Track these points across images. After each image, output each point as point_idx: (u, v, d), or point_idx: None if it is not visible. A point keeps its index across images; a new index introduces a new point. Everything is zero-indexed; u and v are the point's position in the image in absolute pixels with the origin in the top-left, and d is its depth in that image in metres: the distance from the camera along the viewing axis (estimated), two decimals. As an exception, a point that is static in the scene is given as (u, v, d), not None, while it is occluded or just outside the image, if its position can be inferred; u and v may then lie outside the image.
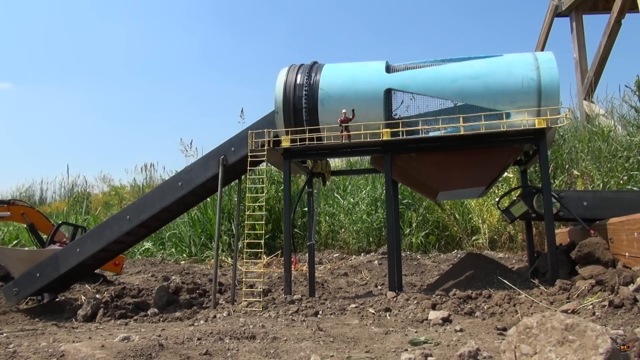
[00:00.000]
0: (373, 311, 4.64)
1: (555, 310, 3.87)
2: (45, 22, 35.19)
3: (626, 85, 9.64)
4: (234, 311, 5.26)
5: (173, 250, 12.02)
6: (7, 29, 33.79)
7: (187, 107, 34.39)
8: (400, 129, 5.16)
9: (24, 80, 35.89)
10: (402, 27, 33.22)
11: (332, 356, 3.11)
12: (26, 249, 10.32)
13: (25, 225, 8.24)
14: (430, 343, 3.30)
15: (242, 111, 11.65)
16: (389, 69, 5.55)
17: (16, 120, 33.79)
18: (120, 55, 35.94)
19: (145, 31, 36.63)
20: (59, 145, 33.05)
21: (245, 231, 5.61)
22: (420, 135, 5.12)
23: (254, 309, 5.16)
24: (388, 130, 5.21)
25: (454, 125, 5.12)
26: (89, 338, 4.15)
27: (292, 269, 6.33)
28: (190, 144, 15.90)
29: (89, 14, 35.02)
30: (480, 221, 9.90)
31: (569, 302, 4.10)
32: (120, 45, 35.85)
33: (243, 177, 6.33)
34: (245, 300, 5.34)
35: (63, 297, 6.89)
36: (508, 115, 5.00)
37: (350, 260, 9.43)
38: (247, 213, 5.57)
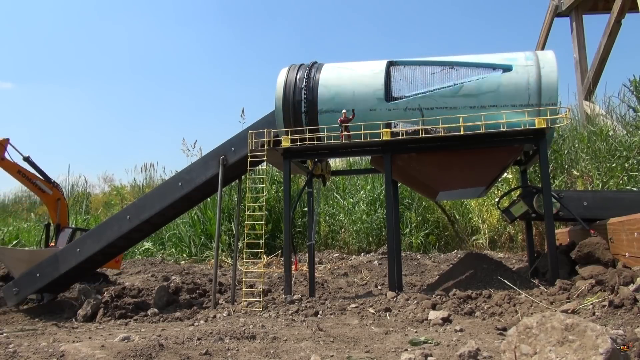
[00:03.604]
0: (373, 311, 4.64)
1: (555, 310, 3.87)
2: (46, 21, 35.24)
3: (624, 85, 9.64)
4: (234, 311, 5.25)
5: (173, 250, 12.01)
6: (7, 28, 33.81)
7: (189, 106, 34.44)
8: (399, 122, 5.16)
9: (25, 80, 35.92)
10: (402, 27, 33.25)
11: (332, 356, 3.11)
12: (26, 249, 10.32)
13: (45, 221, 8.40)
14: (430, 343, 3.30)
15: (242, 111, 11.60)
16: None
17: (17, 120, 33.80)
18: (122, 55, 36.02)
19: (148, 30, 36.67)
20: (60, 145, 33.09)
21: (245, 231, 5.61)
22: (420, 136, 5.12)
23: (254, 309, 5.16)
24: (388, 130, 5.21)
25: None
26: (89, 338, 4.15)
27: (293, 269, 6.33)
28: (194, 144, 15.98)
29: (91, 13, 35.09)
30: (480, 221, 9.89)
31: (569, 302, 4.10)
32: (121, 44, 35.93)
33: (243, 177, 6.33)
34: (245, 300, 5.34)
35: (63, 297, 6.89)
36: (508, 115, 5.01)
37: (350, 260, 9.42)
38: (247, 213, 5.57)
